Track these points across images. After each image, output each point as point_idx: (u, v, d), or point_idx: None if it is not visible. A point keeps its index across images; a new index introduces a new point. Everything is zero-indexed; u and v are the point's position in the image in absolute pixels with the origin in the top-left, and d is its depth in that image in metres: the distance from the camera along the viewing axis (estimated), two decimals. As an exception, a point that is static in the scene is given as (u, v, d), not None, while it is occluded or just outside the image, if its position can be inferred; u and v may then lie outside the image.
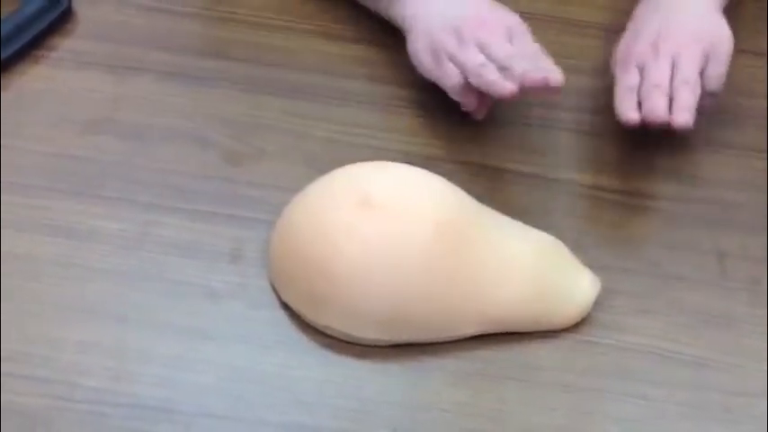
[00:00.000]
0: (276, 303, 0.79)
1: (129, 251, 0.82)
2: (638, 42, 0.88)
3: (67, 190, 0.85)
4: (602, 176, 0.90)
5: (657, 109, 0.82)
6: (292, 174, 0.87)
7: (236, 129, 0.91)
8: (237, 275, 0.81)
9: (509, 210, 0.83)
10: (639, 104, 0.84)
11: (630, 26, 0.92)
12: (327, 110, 0.93)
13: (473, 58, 0.85)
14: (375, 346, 0.77)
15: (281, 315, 0.79)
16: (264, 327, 0.78)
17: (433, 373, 0.77)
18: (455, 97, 0.88)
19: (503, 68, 0.83)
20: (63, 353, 0.76)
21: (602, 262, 0.82)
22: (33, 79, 0.93)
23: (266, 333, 0.78)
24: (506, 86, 0.81)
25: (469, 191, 0.82)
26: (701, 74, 0.85)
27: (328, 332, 0.78)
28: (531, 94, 0.84)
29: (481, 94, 0.87)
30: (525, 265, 0.79)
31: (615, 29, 0.96)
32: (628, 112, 0.83)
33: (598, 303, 0.80)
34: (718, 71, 0.86)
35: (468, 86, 0.86)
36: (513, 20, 0.88)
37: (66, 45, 0.95)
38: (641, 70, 0.86)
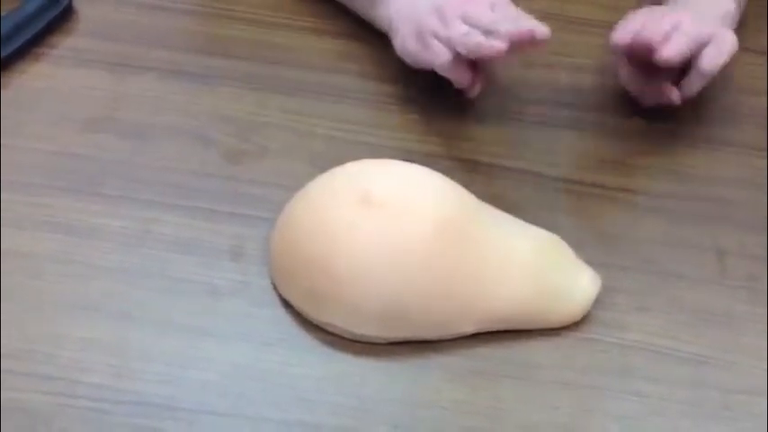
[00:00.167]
0: (277, 301, 0.80)
1: (131, 249, 0.82)
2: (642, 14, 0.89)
3: (68, 188, 0.85)
4: (602, 174, 0.90)
5: (652, 34, 0.83)
6: (293, 171, 0.87)
7: (237, 126, 0.91)
8: (239, 273, 0.81)
9: (509, 207, 0.83)
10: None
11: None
12: (327, 107, 0.93)
13: (457, 29, 0.85)
14: (375, 344, 0.77)
15: (282, 312, 0.79)
16: (265, 324, 0.79)
17: (434, 371, 0.77)
18: (446, 74, 0.87)
19: (488, 33, 0.83)
20: (64, 350, 0.76)
21: (602, 260, 0.83)
22: (34, 77, 0.93)
23: (267, 330, 0.78)
24: (494, 45, 0.82)
25: (469, 188, 0.82)
26: (698, 54, 0.85)
27: (329, 329, 0.78)
28: (519, 51, 0.84)
29: (472, 67, 0.87)
30: (525, 263, 0.79)
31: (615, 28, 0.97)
32: (619, 34, 0.85)
33: (598, 301, 0.80)
34: (715, 53, 0.85)
35: (457, 60, 0.86)
36: None
37: (66, 43, 0.96)
38: (644, 23, 0.86)
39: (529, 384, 0.77)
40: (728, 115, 0.95)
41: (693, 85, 0.87)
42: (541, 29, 0.82)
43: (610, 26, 0.97)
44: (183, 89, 0.93)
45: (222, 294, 0.80)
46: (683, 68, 0.88)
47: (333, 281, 0.76)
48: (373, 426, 0.74)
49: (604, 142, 0.92)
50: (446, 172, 0.82)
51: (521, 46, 0.83)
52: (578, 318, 0.80)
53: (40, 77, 0.93)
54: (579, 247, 0.82)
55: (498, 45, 0.82)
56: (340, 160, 0.83)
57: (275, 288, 0.80)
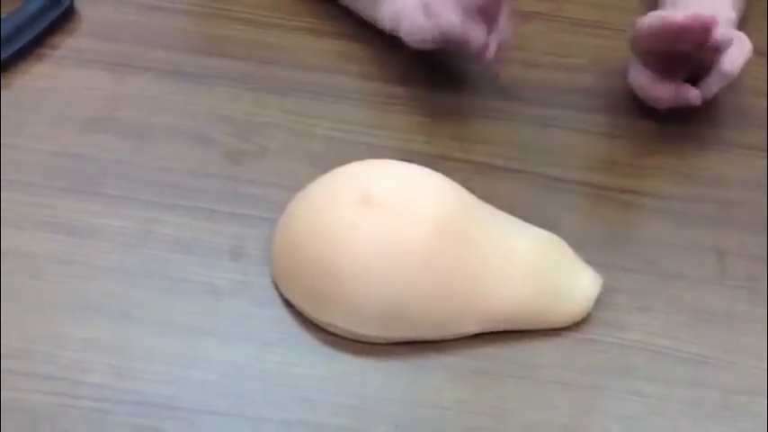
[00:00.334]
0: (278, 301, 0.80)
1: (131, 249, 0.82)
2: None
3: (68, 188, 0.85)
4: (602, 175, 0.90)
5: (704, 14, 0.82)
6: (293, 171, 0.87)
7: (237, 127, 0.91)
8: (239, 273, 0.81)
9: (509, 207, 0.83)
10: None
11: None
12: (327, 107, 0.93)
13: None
14: (376, 344, 0.78)
15: (283, 312, 0.79)
16: (266, 324, 0.79)
17: (435, 371, 0.77)
18: (459, 37, 0.86)
19: None
20: (65, 350, 0.76)
21: (602, 260, 0.83)
22: (35, 78, 0.93)
23: (268, 330, 0.78)
24: None
25: (470, 188, 0.82)
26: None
27: (330, 329, 0.78)
28: None
29: (486, 20, 0.86)
30: (526, 263, 0.79)
31: (615, 27, 0.97)
32: (651, 19, 0.84)
33: (599, 301, 0.80)
34: (737, 54, 0.85)
35: (466, 17, 0.85)
36: None
37: (67, 43, 0.96)
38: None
39: (529, 384, 0.77)
40: (729, 116, 0.95)
41: (713, 86, 0.87)
42: None
43: (610, 27, 0.98)
44: (183, 89, 0.93)
45: (223, 294, 0.80)
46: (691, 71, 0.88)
47: (333, 281, 0.76)
48: (374, 425, 0.74)
49: (604, 142, 0.92)
50: (446, 172, 0.82)
51: None
52: (579, 318, 0.80)
53: (41, 78, 0.93)
54: (579, 247, 0.82)
55: None
56: (340, 160, 0.83)
57: (276, 288, 0.80)
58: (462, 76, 0.96)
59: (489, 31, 0.87)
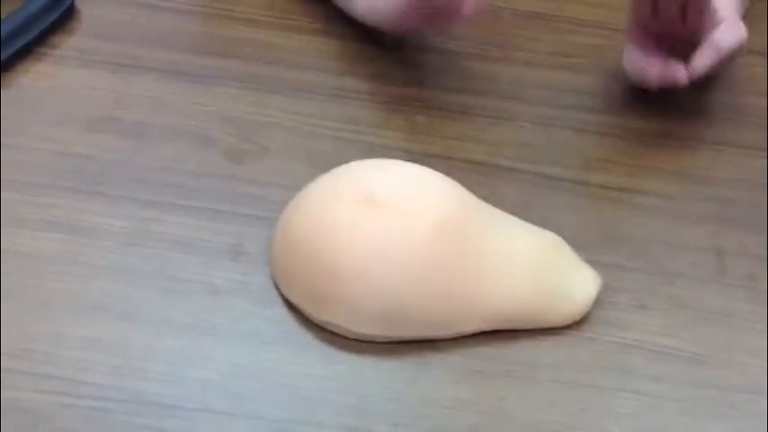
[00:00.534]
0: (278, 300, 0.80)
1: (131, 248, 0.82)
2: None
3: (69, 187, 0.85)
4: (602, 174, 0.90)
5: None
6: (294, 171, 0.87)
7: (238, 126, 0.91)
8: (239, 272, 0.81)
9: (509, 207, 0.84)
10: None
11: None
12: (327, 107, 0.93)
13: None
14: (376, 343, 0.78)
15: (283, 312, 0.79)
16: (266, 323, 0.79)
17: (434, 370, 0.77)
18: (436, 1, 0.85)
19: None
20: (65, 349, 0.76)
21: (602, 259, 0.83)
22: (36, 77, 0.93)
23: (268, 329, 0.78)
24: None
25: (470, 188, 0.82)
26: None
27: (330, 329, 0.78)
28: None
29: None
30: (526, 263, 0.79)
31: (615, 27, 0.97)
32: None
33: (598, 300, 0.80)
34: (731, 32, 0.85)
35: None
36: None
37: (68, 43, 0.96)
38: None
39: (529, 383, 0.77)
40: (728, 116, 0.95)
41: (702, 60, 0.86)
42: None
43: (609, 26, 0.98)
44: (184, 89, 0.93)
45: (222, 294, 0.80)
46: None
47: (334, 280, 0.76)
48: (374, 424, 0.74)
49: (604, 142, 0.92)
50: (446, 172, 0.82)
51: None
52: (578, 317, 0.80)
53: (41, 77, 0.93)
54: (579, 246, 0.82)
55: None
56: (340, 160, 0.83)
57: (276, 287, 0.80)
58: (462, 76, 0.96)
59: None
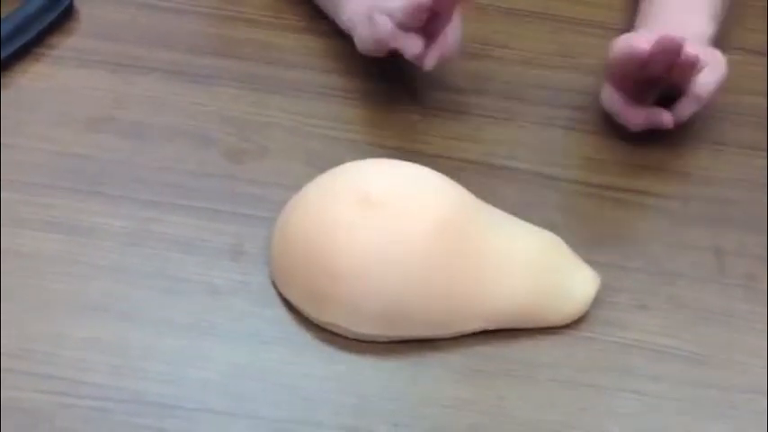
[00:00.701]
0: (277, 300, 0.80)
1: (131, 248, 0.82)
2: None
3: (69, 187, 0.85)
4: (602, 174, 0.90)
5: (670, 36, 0.81)
6: (293, 171, 0.87)
7: (238, 126, 0.91)
8: (238, 272, 0.81)
9: (508, 207, 0.84)
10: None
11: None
12: (327, 107, 0.93)
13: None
14: (376, 343, 0.78)
15: (282, 312, 0.79)
16: (265, 323, 0.79)
17: (434, 370, 0.77)
18: (396, 45, 0.86)
19: None
20: (65, 349, 0.76)
21: (601, 259, 0.83)
22: (35, 77, 0.93)
23: (267, 329, 0.78)
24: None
25: (469, 188, 0.82)
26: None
27: (329, 328, 0.78)
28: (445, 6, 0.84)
29: (421, 33, 0.85)
30: (525, 262, 0.79)
31: (615, 27, 0.97)
32: (635, 41, 0.84)
33: (598, 300, 0.80)
34: (710, 78, 0.85)
35: (400, 27, 0.85)
36: None
37: (67, 43, 0.96)
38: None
39: (529, 383, 0.77)
40: (728, 115, 0.95)
41: (685, 109, 0.86)
42: None
43: (609, 26, 0.98)
44: (184, 89, 0.93)
45: (222, 294, 0.80)
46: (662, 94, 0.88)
47: (333, 280, 0.76)
48: (374, 424, 0.74)
49: (604, 142, 0.92)
50: (446, 171, 0.82)
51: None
52: (578, 317, 0.80)
53: (41, 77, 0.93)
54: (578, 246, 0.82)
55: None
56: (340, 160, 0.83)
57: (275, 287, 0.80)
58: (462, 76, 0.96)
59: (430, 42, 0.86)
